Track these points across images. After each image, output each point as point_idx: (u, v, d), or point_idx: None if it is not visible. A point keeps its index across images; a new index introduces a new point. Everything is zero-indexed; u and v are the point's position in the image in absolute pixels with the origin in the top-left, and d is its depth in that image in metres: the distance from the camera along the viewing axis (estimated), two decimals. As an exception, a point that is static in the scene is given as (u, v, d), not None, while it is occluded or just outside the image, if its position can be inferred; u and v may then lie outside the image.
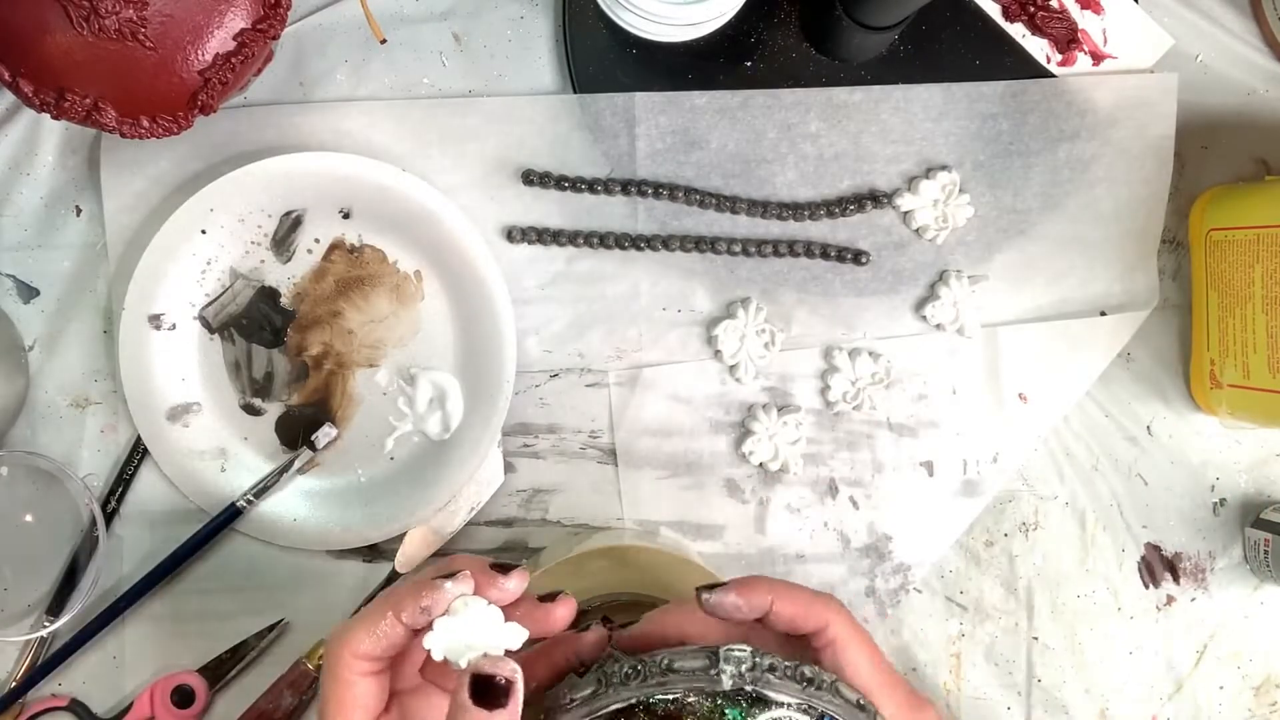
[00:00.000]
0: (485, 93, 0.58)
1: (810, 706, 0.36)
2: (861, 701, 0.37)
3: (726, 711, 0.36)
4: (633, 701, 0.36)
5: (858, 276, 0.59)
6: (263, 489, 0.57)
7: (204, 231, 0.56)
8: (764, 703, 0.36)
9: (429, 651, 0.36)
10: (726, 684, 0.35)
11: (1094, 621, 0.61)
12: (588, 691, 0.37)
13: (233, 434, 0.58)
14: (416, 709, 0.39)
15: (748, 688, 0.36)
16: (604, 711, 0.36)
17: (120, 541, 0.58)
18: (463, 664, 0.35)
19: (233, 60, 0.50)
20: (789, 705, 0.36)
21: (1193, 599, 0.62)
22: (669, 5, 0.51)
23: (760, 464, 0.59)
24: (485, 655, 0.35)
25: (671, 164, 0.58)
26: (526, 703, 0.35)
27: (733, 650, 0.36)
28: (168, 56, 0.49)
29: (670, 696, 0.35)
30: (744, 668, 0.36)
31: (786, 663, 0.36)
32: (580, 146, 0.58)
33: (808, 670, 0.36)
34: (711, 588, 0.39)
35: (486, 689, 0.34)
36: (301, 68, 0.58)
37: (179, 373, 0.57)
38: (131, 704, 0.57)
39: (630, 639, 0.40)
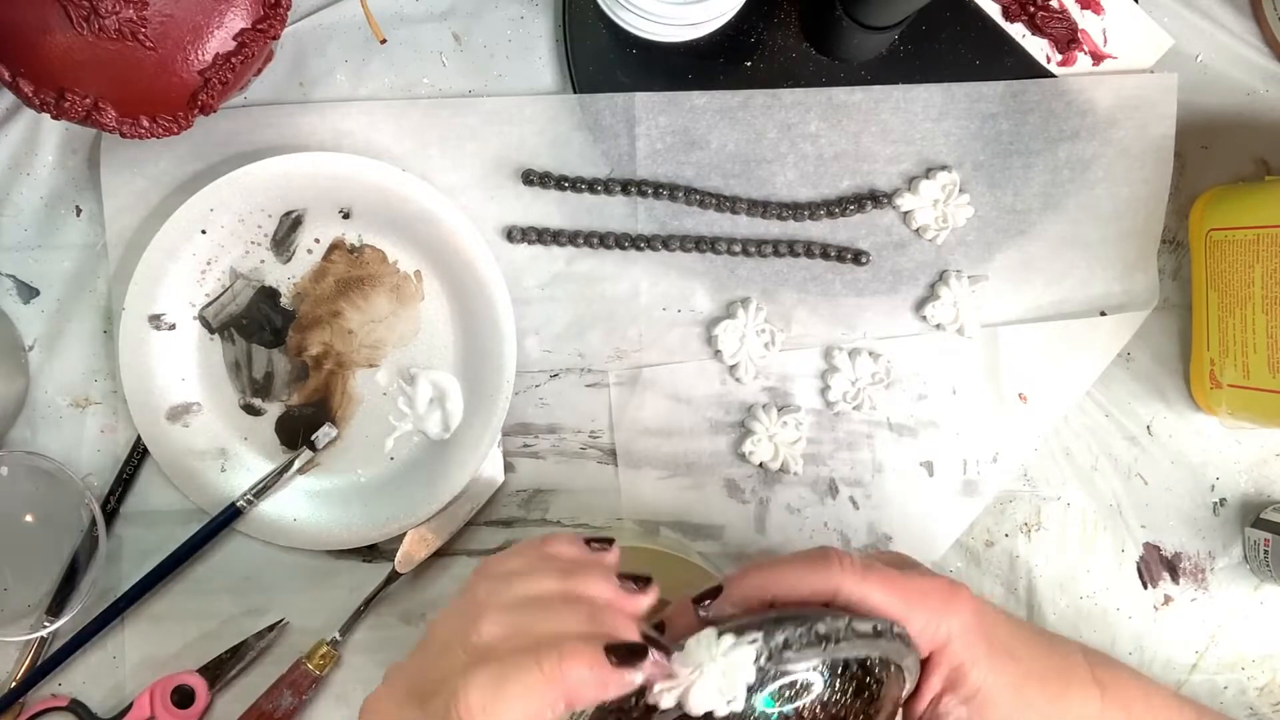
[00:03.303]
0: (485, 93, 0.58)
1: (833, 662, 0.37)
2: (878, 628, 0.38)
3: (755, 703, 0.36)
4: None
5: (858, 276, 0.59)
6: (263, 489, 0.57)
7: (204, 231, 0.56)
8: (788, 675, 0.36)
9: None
10: (752, 682, 0.36)
11: (1095, 622, 0.61)
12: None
13: (233, 434, 0.58)
14: None
15: (772, 681, 0.36)
16: None
17: (120, 541, 0.58)
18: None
19: (233, 60, 0.50)
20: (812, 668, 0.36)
21: (1193, 599, 0.62)
22: (669, 5, 0.51)
23: (760, 464, 0.59)
24: None
25: (671, 164, 0.58)
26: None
27: (741, 653, 0.36)
28: (168, 56, 0.49)
29: None
30: (763, 659, 0.36)
31: (799, 629, 0.36)
32: (580, 146, 0.58)
33: (821, 628, 0.37)
34: (706, 597, 0.40)
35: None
36: (301, 68, 0.58)
37: (179, 373, 0.57)
38: (131, 704, 0.57)
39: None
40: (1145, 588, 0.62)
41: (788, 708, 0.37)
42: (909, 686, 0.41)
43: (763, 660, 0.36)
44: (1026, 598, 0.61)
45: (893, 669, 0.39)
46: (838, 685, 0.37)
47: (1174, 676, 0.62)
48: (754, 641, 0.36)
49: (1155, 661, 0.62)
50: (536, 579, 0.37)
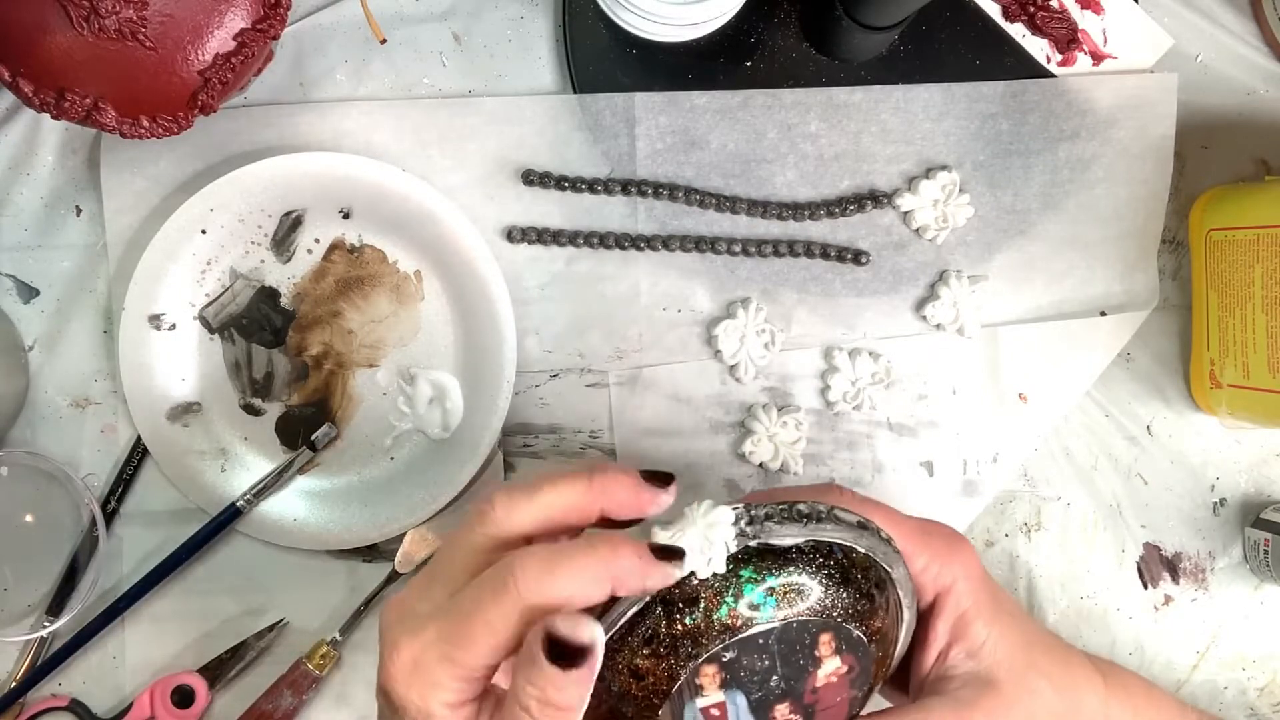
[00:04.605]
0: (485, 93, 0.58)
1: (817, 543, 0.37)
2: (861, 521, 0.39)
3: (741, 573, 0.37)
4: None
5: (858, 276, 0.59)
6: (263, 489, 0.57)
7: (204, 231, 0.56)
8: (774, 554, 0.37)
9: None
10: (733, 546, 0.37)
11: (1095, 622, 0.61)
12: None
13: (233, 434, 0.58)
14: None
15: (752, 543, 0.37)
16: (623, 613, 0.37)
17: (120, 541, 0.58)
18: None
19: (233, 60, 0.50)
20: (799, 552, 0.37)
21: (1193, 599, 0.62)
22: (669, 5, 0.51)
23: (760, 464, 0.59)
24: (564, 615, 0.34)
25: (671, 164, 0.58)
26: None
27: (721, 513, 0.37)
28: (168, 56, 0.49)
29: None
30: (743, 523, 0.37)
31: (780, 506, 0.38)
32: (580, 146, 0.58)
33: (803, 507, 0.38)
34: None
35: (563, 650, 0.33)
36: (301, 68, 0.58)
37: (179, 373, 0.57)
38: (131, 704, 0.57)
39: None
40: (1145, 588, 0.62)
41: (785, 611, 0.37)
42: (908, 618, 0.41)
43: (743, 524, 0.37)
44: (1026, 598, 0.61)
45: (884, 574, 0.39)
46: (829, 585, 0.38)
47: (1174, 676, 0.62)
48: (735, 509, 0.37)
49: (1155, 662, 0.62)
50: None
